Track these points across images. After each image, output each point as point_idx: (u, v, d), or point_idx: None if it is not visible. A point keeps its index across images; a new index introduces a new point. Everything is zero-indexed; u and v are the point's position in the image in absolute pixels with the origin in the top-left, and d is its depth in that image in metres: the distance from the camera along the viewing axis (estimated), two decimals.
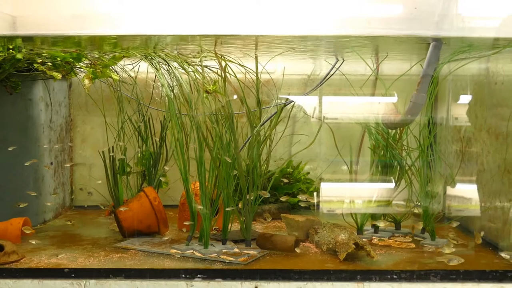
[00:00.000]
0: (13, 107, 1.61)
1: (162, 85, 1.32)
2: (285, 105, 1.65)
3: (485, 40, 1.20)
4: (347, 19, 1.14)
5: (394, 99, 1.50)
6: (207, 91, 1.32)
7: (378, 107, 1.53)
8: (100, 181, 1.66)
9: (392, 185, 1.54)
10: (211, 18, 1.14)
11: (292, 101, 1.80)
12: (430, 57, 1.22)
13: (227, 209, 1.35)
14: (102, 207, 1.61)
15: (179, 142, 1.33)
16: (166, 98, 1.36)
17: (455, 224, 1.43)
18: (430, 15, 1.15)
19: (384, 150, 1.47)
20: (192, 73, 1.37)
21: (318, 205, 1.90)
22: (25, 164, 1.43)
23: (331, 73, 1.75)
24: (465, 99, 1.62)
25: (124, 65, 1.63)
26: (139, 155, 1.70)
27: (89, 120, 2.00)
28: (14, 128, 1.62)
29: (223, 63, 1.39)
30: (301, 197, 1.50)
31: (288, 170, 1.92)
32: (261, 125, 1.60)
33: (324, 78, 1.76)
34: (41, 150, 1.70)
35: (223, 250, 1.34)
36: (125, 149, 1.65)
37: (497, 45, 1.29)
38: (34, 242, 1.43)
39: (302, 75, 2.06)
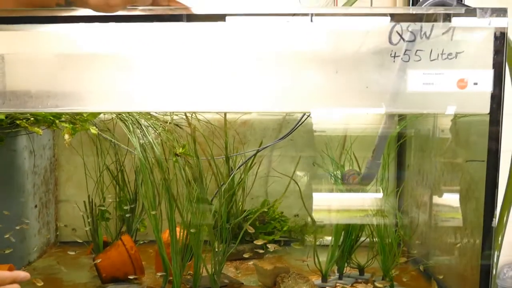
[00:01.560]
0: (3, 157, 1.69)
1: (135, 148, 1.41)
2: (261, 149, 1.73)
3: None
4: (305, 96, 1.23)
5: None
6: (176, 154, 1.40)
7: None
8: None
9: None
10: (182, 96, 1.21)
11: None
12: (384, 125, 1.31)
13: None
14: (73, 253, 1.69)
15: (151, 203, 1.41)
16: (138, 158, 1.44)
17: None
18: (381, 93, 1.23)
19: None
20: (163, 134, 1.45)
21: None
22: (16, 228, 1.53)
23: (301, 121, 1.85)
24: (427, 151, 1.72)
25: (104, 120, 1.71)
26: (117, 200, 1.79)
27: (73, 159, 2.08)
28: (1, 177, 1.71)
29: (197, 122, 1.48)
30: (270, 246, 1.59)
31: (263, 209, 2.00)
32: (231, 175, 1.69)
33: (294, 127, 1.86)
34: (25, 196, 1.79)
35: None
36: (104, 198, 1.74)
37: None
38: None
39: (277, 115, 2.14)
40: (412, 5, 1.87)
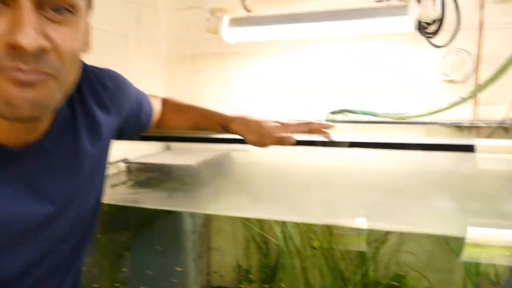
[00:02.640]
0: (171, 223, 2.06)
1: (277, 239, 1.62)
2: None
3: None
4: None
5: None
6: (313, 247, 1.57)
7: None
8: None
9: None
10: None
11: None
12: None
13: None
14: None
15: None
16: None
17: None
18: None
19: None
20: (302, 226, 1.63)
21: None
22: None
23: None
24: None
25: None
26: (260, 265, 2.04)
27: (223, 216, 2.40)
28: (169, 239, 2.08)
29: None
30: None
31: (394, 283, 2.06)
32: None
33: None
34: (186, 254, 2.14)
35: None
36: (249, 266, 2.01)
37: None
38: None
39: None
40: None
